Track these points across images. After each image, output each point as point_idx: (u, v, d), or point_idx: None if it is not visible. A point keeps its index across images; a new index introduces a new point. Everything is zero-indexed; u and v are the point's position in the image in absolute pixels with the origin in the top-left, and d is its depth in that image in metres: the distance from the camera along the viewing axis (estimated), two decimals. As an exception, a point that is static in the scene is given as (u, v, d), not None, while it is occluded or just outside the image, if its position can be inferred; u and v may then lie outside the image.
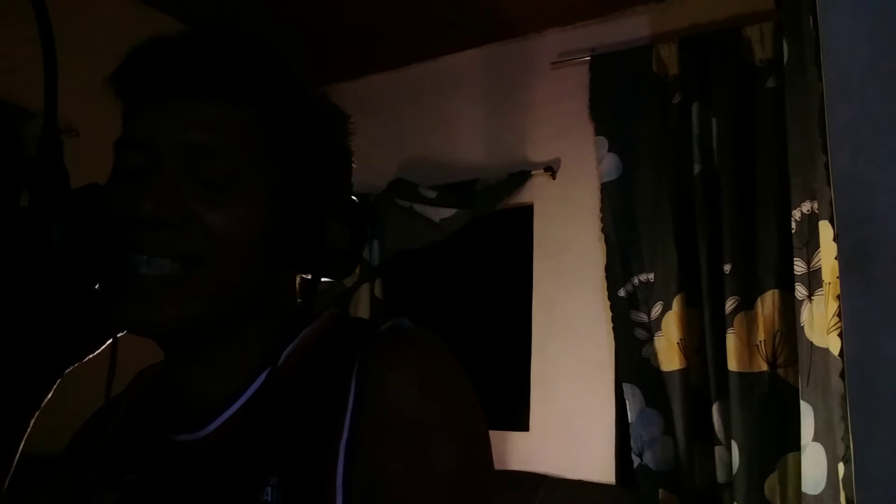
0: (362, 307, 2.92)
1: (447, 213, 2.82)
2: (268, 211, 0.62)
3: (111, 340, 0.63)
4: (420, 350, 0.63)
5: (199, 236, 0.59)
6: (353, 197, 0.69)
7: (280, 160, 0.64)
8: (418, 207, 2.87)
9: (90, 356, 0.63)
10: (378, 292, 2.93)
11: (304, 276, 0.69)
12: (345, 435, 0.58)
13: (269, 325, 0.65)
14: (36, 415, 0.62)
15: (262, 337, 0.65)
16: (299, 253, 0.63)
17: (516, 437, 2.65)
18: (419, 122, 3.09)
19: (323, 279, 0.66)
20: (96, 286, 0.60)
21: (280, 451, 0.59)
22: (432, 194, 2.86)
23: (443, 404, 0.60)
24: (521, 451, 2.62)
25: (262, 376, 0.63)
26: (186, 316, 0.59)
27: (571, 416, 2.55)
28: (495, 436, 2.65)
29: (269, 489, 0.57)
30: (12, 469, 0.62)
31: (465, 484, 0.59)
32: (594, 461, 2.46)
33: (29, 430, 0.62)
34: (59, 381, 0.64)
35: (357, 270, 2.92)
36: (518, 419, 2.67)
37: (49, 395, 0.62)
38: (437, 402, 0.60)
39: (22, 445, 0.62)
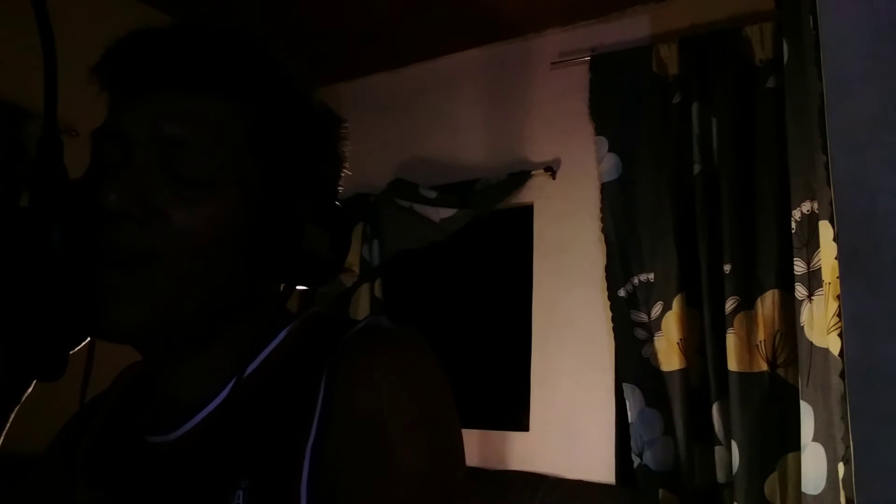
0: (362, 307, 2.91)
1: (447, 213, 2.82)
2: (242, 211, 0.60)
3: (89, 339, 0.62)
4: (391, 349, 0.61)
5: (163, 233, 0.57)
6: (338, 203, 0.66)
7: (261, 159, 0.62)
8: (418, 207, 2.87)
9: (72, 350, 0.63)
10: (378, 292, 2.92)
11: (281, 281, 0.67)
12: (312, 437, 0.57)
13: (246, 329, 0.64)
14: (15, 410, 0.61)
15: (238, 340, 0.63)
16: (274, 257, 0.61)
17: (516, 437, 2.65)
18: (419, 122, 3.09)
19: (298, 286, 0.64)
20: (79, 281, 0.60)
21: (251, 454, 0.59)
22: (432, 194, 2.86)
23: (410, 404, 0.58)
24: (521, 451, 2.62)
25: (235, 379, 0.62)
26: (149, 317, 0.57)
27: (571, 416, 2.55)
28: (495, 436, 2.66)
29: (240, 492, 0.57)
30: None
31: (429, 486, 0.56)
32: (594, 461, 2.46)
33: (7, 426, 0.61)
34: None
35: (358, 271, 2.93)
36: (518, 419, 2.67)
37: (29, 391, 0.61)
38: (404, 402, 0.58)
39: (0, 441, 0.61)
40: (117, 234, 0.56)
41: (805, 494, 1.91)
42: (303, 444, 0.57)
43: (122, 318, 0.57)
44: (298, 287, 0.65)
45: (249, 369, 0.63)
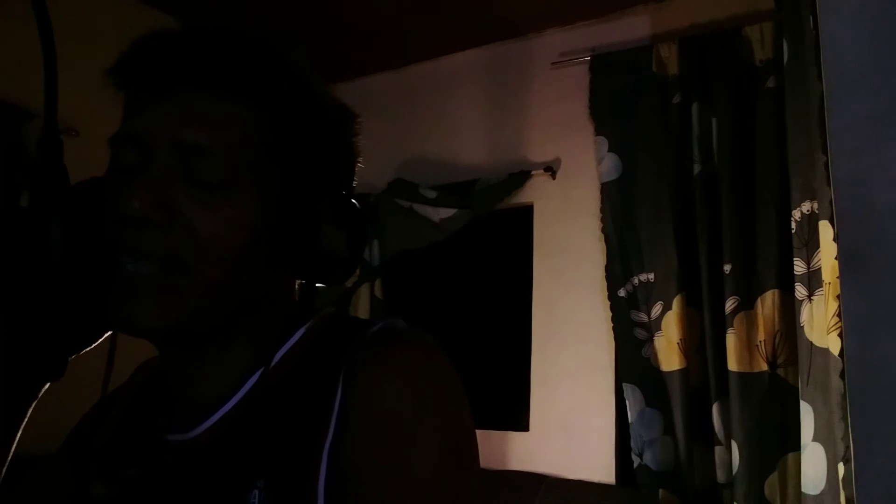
0: (362, 307, 2.92)
1: (447, 213, 2.82)
2: (262, 213, 0.61)
3: (110, 334, 0.63)
4: (408, 351, 0.61)
5: (185, 238, 0.58)
6: (354, 201, 0.67)
7: (278, 161, 0.63)
8: (418, 207, 2.87)
9: (87, 349, 0.63)
10: (378, 292, 2.93)
11: (299, 280, 0.68)
12: (329, 438, 0.57)
13: (264, 328, 0.65)
14: (33, 405, 0.62)
15: (255, 339, 0.64)
16: (293, 257, 0.62)
17: (516, 437, 2.65)
18: (419, 122, 3.09)
19: (318, 284, 0.65)
20: (91, 281, 0.60)
21: (268, 454, 0.59)
22: (432, 194, 2.86)
23: (426, 407, 0.58)
24: (521, 451, 2.62)
25: (253, 378, 0.63)
26: (169, 318, 0.58)
27: (571, 416, 2.55)
28: (495, 436, 2.66)
29: (256, 492, 0.57)
30: (8, 460, 0.62)
31: (443, 489, 0.57)
32: (594, 461, 2.46)
33: (25, 421, 0.62)
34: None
35: (357, 271, 2.93)
36: (518, 419, 2.67)
37: (45, 387, 0.62)
38: (420, 405, 0.58)
39: (18, 436, 0.62)
40: (139, 239, 0.57)
41: (805, 494, 1.91)
42: (320, 444, 0.57)
43: (142, 316, 0.58)
44: (317, 286, 0.65)
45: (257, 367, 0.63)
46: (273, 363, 0.63)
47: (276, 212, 0.61)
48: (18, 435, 0.62)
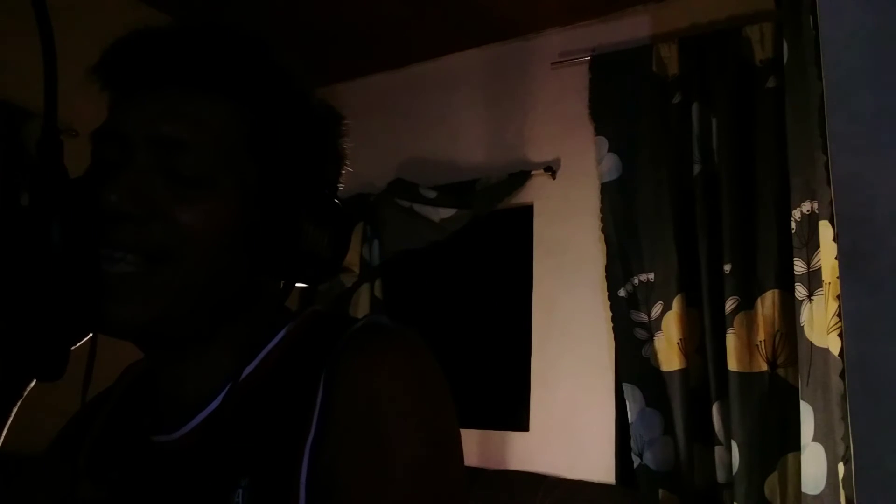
0: (362, 307, 2.91)
1: (447, 213, 2.82)
2: (242, 210, 0.61)
3: (90, 336, 0.62)
4: (390, 348, 0.61)
5: (165, 232, 0.58)
6: (337, 201, 0.67)
7: (259, 157, 0.63)
8: (418, 207, 2.87)
9: (73, 347, 0.63)
10: (378, 292, 2.92)
11: (281, 280, 0.67)
12: (311, 435, 0.57)
13: (246, 327, 0.64)
14: (17, 404, 0.62)
15: (238, 338, 0.64)
16: (273, 255, 0.61)
17: (516, 437, 2.65)
18: (419, 123, 3.09)
19: (298, 284, 0.65)
20: (78, 280, 0.60)
21: (252, 453, 0.59)
22: (432, 194, 2.86)
23: (408, 402, 0.58)
24: (521, 451, 2.62)
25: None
26: (147, 315, 0.58)
27: (571, 416, 2.55)
28: (495, 436, 2.66)
29: (240, 491, 0.57)
30: None
31: (425, 487, 0.57)
32: (594, 461, 2.46)
33: (10, 421, 0.62)
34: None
35: (358, 271, 2.93)
36: (518, 419, 2.67)
37: (30, 386, 0.62)
38: (402, 400, 0.58)
39: (3, 436, 0.61)
40: (118, 234, 0.57)
41: (805, 494, 1.91)
42: (302, 442, 0.57)
43: (124, 315, 0.57)
44: (298, 285, 0.65)
45: (247, 371, 0.63)
46: (255, 364, 0.63)
47: (257, 208, 0.61)
48: (3, 434, 0.62)
